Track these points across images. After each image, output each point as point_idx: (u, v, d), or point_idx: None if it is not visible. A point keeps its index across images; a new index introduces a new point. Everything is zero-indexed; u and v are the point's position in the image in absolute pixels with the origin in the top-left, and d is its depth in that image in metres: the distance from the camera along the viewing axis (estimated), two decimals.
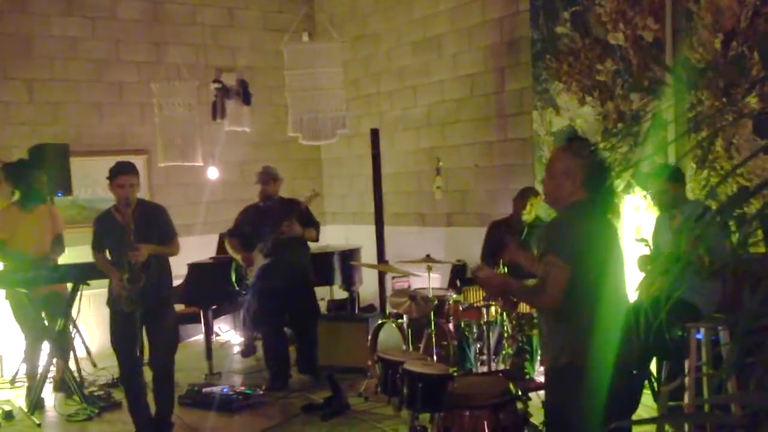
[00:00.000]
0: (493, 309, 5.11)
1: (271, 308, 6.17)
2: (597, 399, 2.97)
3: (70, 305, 5.95)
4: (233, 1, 8.77)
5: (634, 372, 3.27)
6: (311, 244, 6.44)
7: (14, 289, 5.70)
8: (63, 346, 5.96)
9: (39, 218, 5.91)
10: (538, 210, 5.84)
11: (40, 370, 5.87)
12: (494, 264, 5.80)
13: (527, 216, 5.78)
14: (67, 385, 6.05)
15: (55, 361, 5.89)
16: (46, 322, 5.87)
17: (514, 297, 3.30)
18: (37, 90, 7.57)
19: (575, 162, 3.09)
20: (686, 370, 4.21)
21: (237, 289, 6.26)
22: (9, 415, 5.62)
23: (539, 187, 6.36)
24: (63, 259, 6.21)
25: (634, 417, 3.36)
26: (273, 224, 6.02)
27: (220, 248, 7.38)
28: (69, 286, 5.90)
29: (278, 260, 6.02)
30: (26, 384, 5.95)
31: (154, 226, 4.94)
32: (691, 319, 4.19)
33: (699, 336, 4.19)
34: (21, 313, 5.81)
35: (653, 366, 4.67)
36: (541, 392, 4.89)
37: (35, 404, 5.68)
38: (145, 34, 8.16)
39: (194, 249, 7.02)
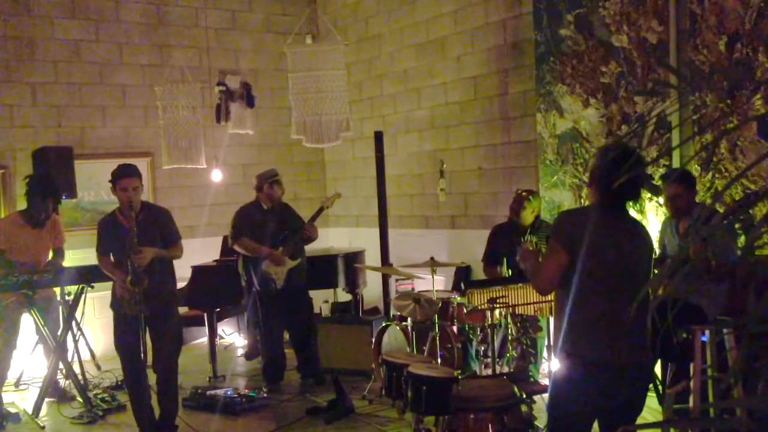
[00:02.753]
0: (497, 312, 5.10)
1: (277, 310, 6.17)
2: (589, 391, 3.06)
3: (74, 308, 5.95)
4: (236, 3, 8.78)
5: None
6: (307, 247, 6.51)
7: (18, 291, 5.68)
8: (63, 350, 5.95)
9: (42, 234, 5.90)
10: (537, 210, 5.82)
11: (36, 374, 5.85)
12: (496, 267, 5.80)
13: (527, 217, 5.75)
14: (60, 392, 6.05)
15: (49, 366, 5.87)
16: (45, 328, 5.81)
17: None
18: (41, 93, 7.58)
19: (595, 166, 3.24)
20: (691, 373, 4.20)
21: (261, 289, 6.14)
22: (14, 418, 5.63)
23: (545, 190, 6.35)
24: (68, 262, 6.22)
25: (639, 420, 3.36)
26: (290, 226, 6.03)
27: (224, 251, 7.38)
28: (72, 288, 5.92)
29: (301, 261, 6.08)
30: None
31: (158, 229, 4.95)
32: (696, 322, 4.18)
33: (704, 339, 4.18)
34: (5, 314, 5.75)
35: (658, 368, 4.65)
36: (545, 395, 4.89)
37: (40, 407, 5.69)
38: (149, 37, 8.18)
39: (198, 251, 7.02)
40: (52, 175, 6.43)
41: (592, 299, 3.07)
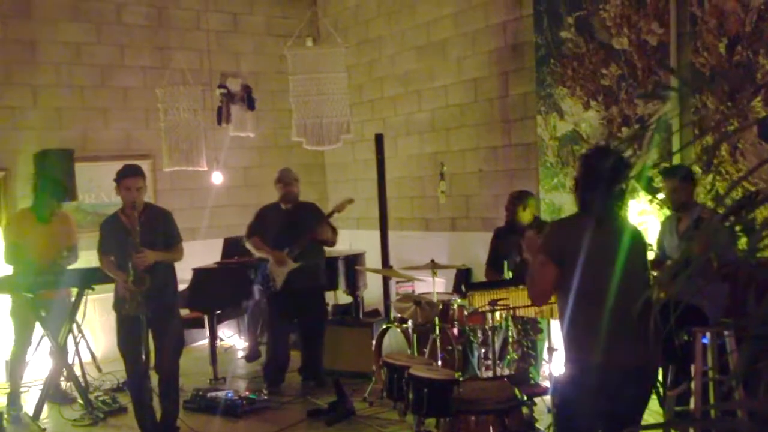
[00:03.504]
0: (498, 314, 5.11)
1: (284, 311, 6.17)
2: (594, 395, 3.08)
3: (75, 310, 5.95)
4: (237, 6, 8.80)
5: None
6: None
7: (19, 293, 5.69)
8: (64, 354, 5.94)
9: (52, 229, 5.89)
10: (533, 209, 5.86)
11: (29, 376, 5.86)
12: (499, 270, 5.81)
13: (523, 216, 5.77)
14: (61, 394, 6.06)
15: (52, 368, 5.86)
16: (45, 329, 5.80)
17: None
18: (42, 95, 7.59)
19: (577, 172, 3.27)
20: (692, 375, 4.20)
21: (264, 289, 6.23)
22: (15, 420, 5.63)
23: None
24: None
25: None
26: (301, 227, 6.03)
27: (225, 253, 7.39)
28: (74, 291, 5.91)
29: (305, 264, 6.06)
30: (8, 390, 5.79)
31: (159, 229, 4.95)
32: (698, 324, 4.18)
33: (705, 341, 4.19)
34: (18, 314, 5.77)
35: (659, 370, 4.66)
36: (547, 397, 4.89)
37: (41, 409, 5.69)
38: (150, 40, 8.19)
39: (199, 253, 7.02)
40: (61, 179, 6.42)
41: (589, 304, 3.08)
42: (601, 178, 3.07)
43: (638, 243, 3.20)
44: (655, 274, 4.33)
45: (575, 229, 3.19)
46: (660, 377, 4.69)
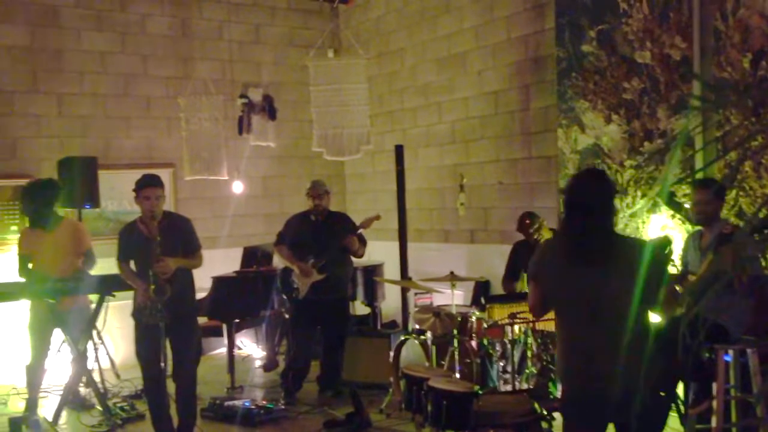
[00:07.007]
0: (516, 327, 5.08)
1: (306, 318, 6.19)
2: (580, 417, 3.11)
3: (95, 317, 5.98)
4: (259, 17, 8.87)
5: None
6: None
7: (40, 299, 5.72)
8: (84, 360, 5.97)
9: (59, 238, 5.87)
10: (546, 226, 5.90)
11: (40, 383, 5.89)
12: (514, 283, 5.79)
13: (541, 236, 5.78)
14: (80, 400, 6.09)
15: (72, 374, 5.89)
16: (63, 336, 5.83)
17: None
18: (67, 104, 7.69)
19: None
20: (714, 393, 4.16)
21: (287, 296, 6.28)
22: (34, 425, 5.66)
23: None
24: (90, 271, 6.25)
25: None
26: (329, 239, 6.05)
27: (245, 262, 7.42)
28: (94, 297, 5.95)
29: (330, 275, 6.07)
30: (27, 397, 5.78)
31: (179, 237, 4.98)
32: (720, 341, 4.14)
33: (727, 358, 4.14)
34: (36, 326, 5.80)
35: (680, 388, 4.61)
36: None
37: (59, 414, 5.72)
38: (173, 50, 8.27)
39: (218, 262, 7.06)
40: (49, 183, 6.28)
41: (568, 326, 3.14)
42: (582, 202, 3.05)
43: (631, 265, 2.94)
44: (678, 288, 4.29)
45: (552, 250, 3.28)
46: (681, 395, 4.64)
